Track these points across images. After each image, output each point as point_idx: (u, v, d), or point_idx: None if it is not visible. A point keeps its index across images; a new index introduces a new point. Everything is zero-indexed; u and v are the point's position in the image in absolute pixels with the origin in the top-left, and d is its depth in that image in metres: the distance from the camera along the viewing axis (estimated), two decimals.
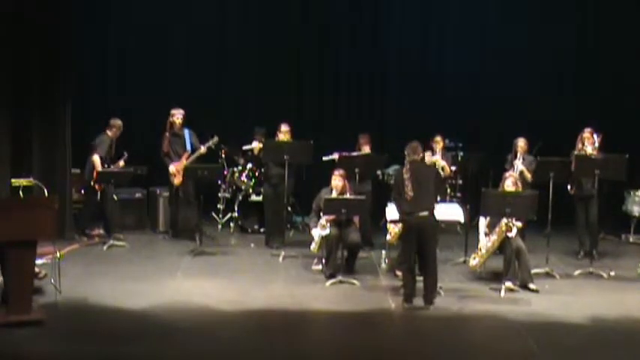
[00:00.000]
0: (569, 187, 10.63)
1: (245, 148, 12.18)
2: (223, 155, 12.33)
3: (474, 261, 9.55)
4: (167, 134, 11.52)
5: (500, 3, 13.63)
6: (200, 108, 12.55)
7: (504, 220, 9.11)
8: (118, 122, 11.56)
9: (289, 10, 13.73)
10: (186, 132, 11.55)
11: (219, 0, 13.75)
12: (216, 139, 11.55)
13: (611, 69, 13.25)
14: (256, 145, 11.84)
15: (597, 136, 10.57)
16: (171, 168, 11.49)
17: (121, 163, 11.58)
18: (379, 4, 13.88)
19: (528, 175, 10.63)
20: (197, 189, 11.26)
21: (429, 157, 10.82)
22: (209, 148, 11.57)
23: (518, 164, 10.79)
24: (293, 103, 13.46)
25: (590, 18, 13.55)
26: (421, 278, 8.59)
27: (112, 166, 11.44)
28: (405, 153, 8.69)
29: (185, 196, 11.47)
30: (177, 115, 11.48)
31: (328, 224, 9.56)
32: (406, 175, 8.45)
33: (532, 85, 13.46)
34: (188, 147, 11.49)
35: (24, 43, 10.77)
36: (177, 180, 11.48)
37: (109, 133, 11.49)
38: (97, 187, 11.26)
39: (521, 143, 11.00)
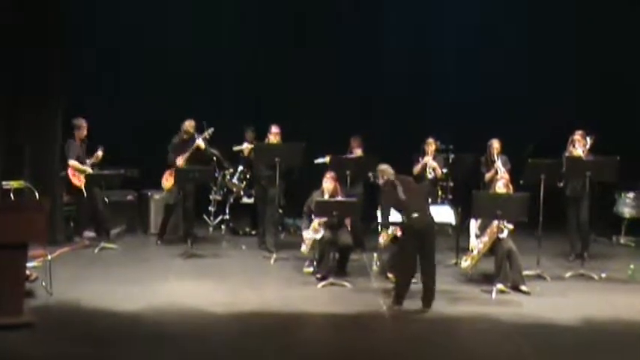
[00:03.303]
0: (560, 184, 10.59)
1: (235, 148, 12.17)
2: (215, 160, 12.29)
3: (465, 263, 9.56)
4: (179, 141, 11.48)
5: (497, 3, 13.65)
6: (196, 108, 12.52)
7: (495, 222, 9.14)
8: (80, 121, 11.46)
9: (288, 9, 13.75)
10: (196, 140, 11.47)
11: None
12: (211, 130, 11.43)
13: (610, 69, 13.27)
14: (246, 145, 11.82)
15: (589, 138, 10.60)
16: (167, 173, 11.51)
17: (99, 153, 11.45)
18: (375, 5, 13.88)
19: (506, 175, 10.62)
20: (196, 192, 11.28)
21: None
22: (205, 140, 11.44)
23: (500, 165, 10.82)
24: (286, 104, 13.45)
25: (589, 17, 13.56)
26: (415, 280, 8.60)
27: (87, 162, 11.36)
28: (380, 176, 8.73)
29: (184, 198, 11.40)
30: (189, 125, 11.45)
31: (321, 227, 9.57)
32: (397, 182, 8.53)
33: (524, 88, 13.47)
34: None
35: (18, 44, 10.75)
36: (166, 184, 11.49)
37: (75, 135, 11.41)
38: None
39: (495, 144, 11.09)
